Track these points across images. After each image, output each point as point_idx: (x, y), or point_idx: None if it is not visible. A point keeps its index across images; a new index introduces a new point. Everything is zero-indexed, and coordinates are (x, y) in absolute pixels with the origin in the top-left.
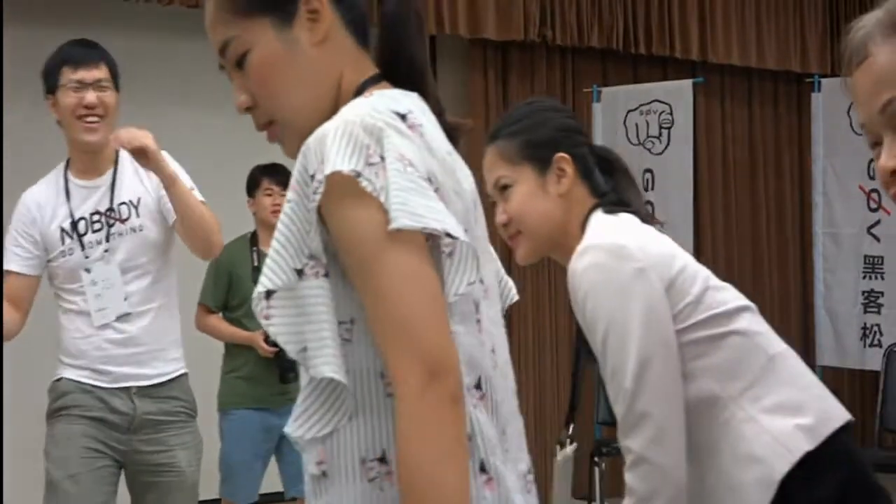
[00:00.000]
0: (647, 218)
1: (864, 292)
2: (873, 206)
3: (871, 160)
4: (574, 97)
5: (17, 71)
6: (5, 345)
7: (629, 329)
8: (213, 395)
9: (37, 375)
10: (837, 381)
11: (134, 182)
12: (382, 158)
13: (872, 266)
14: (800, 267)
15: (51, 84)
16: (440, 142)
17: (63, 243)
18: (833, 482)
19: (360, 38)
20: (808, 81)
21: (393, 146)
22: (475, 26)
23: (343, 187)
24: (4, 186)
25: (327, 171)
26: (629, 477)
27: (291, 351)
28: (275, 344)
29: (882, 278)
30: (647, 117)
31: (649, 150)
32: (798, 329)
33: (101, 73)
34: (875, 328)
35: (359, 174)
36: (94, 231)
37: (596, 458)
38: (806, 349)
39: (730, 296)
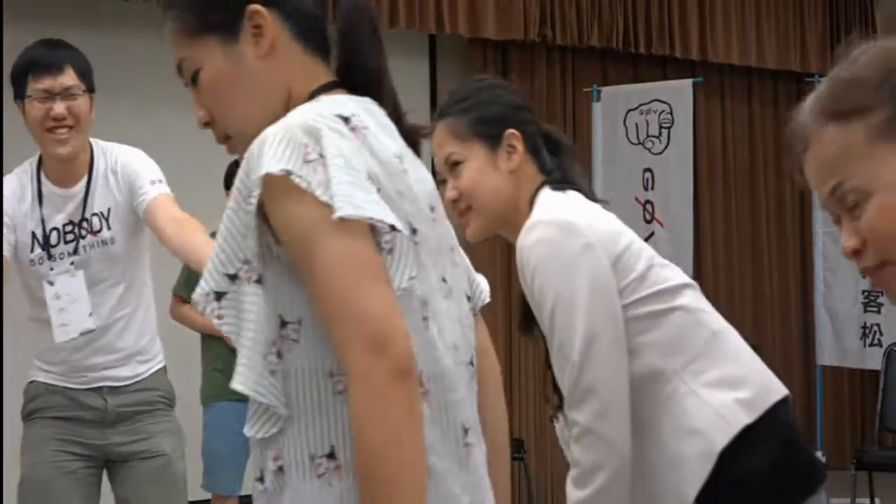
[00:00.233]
0: (592, 196)
1: (864, 292)
2: None
3: None
4: (574, 97)
5: None
6: (5, 345)
7: (576, 303)
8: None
9: None
10: (837, 380)
11: (105, 191)
12: (322, 156)
13: None
14: (800, 266)
15: (18, 91)
16: (387, 145)
17: (32, 251)
18: (769, 454)
19: (314, 47)
20: (808, 81)
21: (332, 144)
22: (475, 26)
23: (276, 187)
24: (4, 186)
25: (260, 172)
26: (575, 449)
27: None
28: None
29: None
30: (647, 117)
31: (649, 149)
32: (798, 328)
33: (68, 79)
34: (875, 328)
35: (289, 172)
36: (66, 242)
37: None
38: (806, 349)
39: (673, 273)
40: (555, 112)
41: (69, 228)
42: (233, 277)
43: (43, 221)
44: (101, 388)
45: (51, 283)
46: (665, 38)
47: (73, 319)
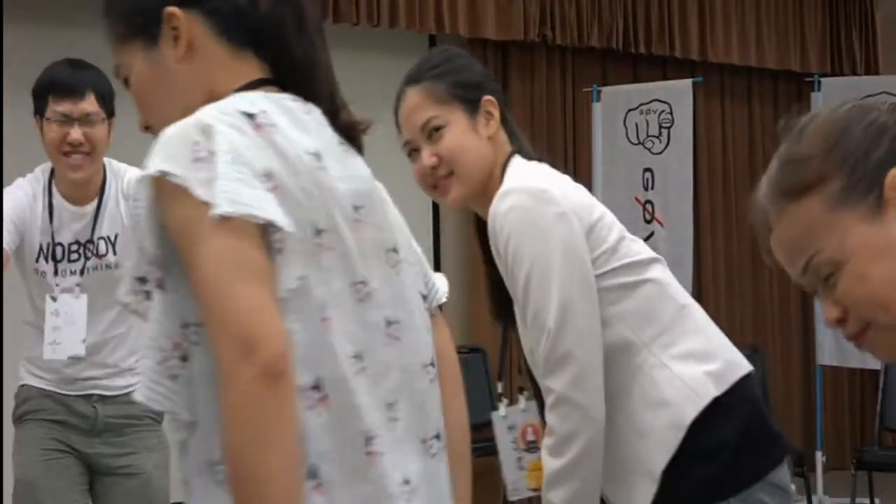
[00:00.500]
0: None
1: None
2: None
3: None
4: (574, 97)
5: (18, 71)
6: (6, 345)
7: (552, 270)
8: None
9: None
10: (837, 380)
11: (115, 216)
12: (212, 153)
13: None
14: None
15: (38, 108)
16: (300, 143)
17: (38, 261)
18: (736, 426)
19: (242, 43)
20: (808, 81)
21: (225, 141)
22: (475, 26)
23: (157, 188)
24: (4, 186)
25: (141, 175)
26: (550, 417)
27: None
28: None
29: None
30: (646, 117)
31: (649, 149)
32: (798, 328)
33: (88, 105)
34: None
35: (165, 173)
36: (71, 261)
37: None
38: (806, 348)
39: (642, 247)
40: (555, 112)
41: (75, 248)
42: (142, 280)
43: (52, 234)
44: (90, 395)
45: (53, 299)
46: (665, 38)
47: (65, 340)
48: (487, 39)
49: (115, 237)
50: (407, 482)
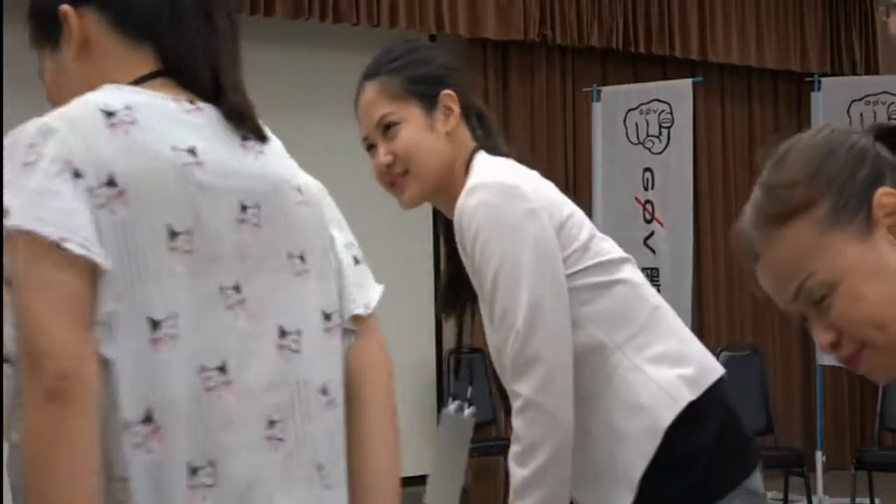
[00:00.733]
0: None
1: None
2: None
3: None
4: (574, 97)
5: (18, 71)
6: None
7: (521, 269)
8: None
9: None
10: (837, 380)
11: None
12: (39, 158)
13: None
14: None
15: None
16: (170, 138)
17: None
18: (712, 430)
19: (140, 36)
20: (808, 81)
21: (56, 148)
22: (475, 26)
23: None
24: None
25: None
26: (516, 422)
27: None
28: None
29: None
30: (646, 116)
31: (649, 149)
32: (798, 328)
33: None
34: None
35: None
36: None
37: None
38: (806, 349)
39: (613, 247)
40: (555, 112)
41: None
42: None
43: None
44: None
45: None
46: (665, 38)
47: None
48: (487, 39)
49: None
50: None
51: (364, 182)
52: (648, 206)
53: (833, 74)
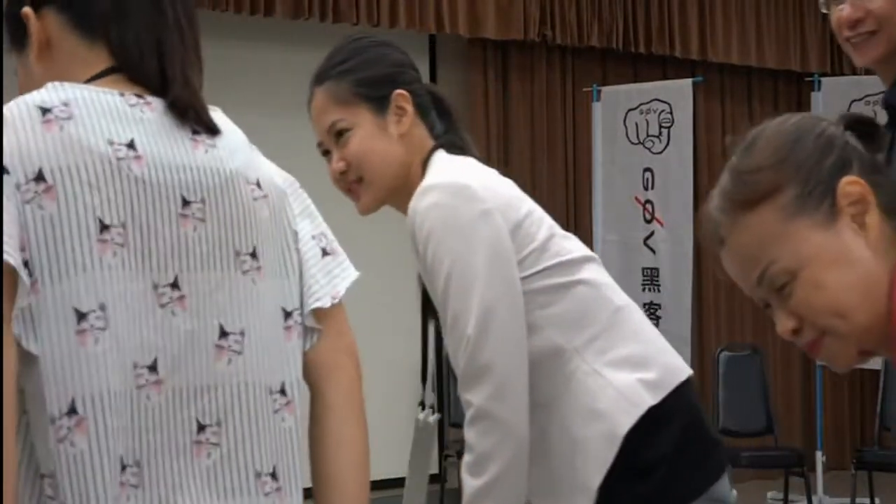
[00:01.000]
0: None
1: None
2: None
3: None
4: (574, 97)
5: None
6: None
7: (474, 272)
8: None
9: None
10: (837, 380)
11: None
12: None
13: None
14: None
15: None
16: (107, 133)
17: None
18: (672, 436)
19: (95, 35)
20: (808, 80)
21: None
22: (475, 26)
23: None
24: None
25: None
26: (469, 433)
27: None
28: None
29: None
30: (646, 116)
31: (649, 149)
32: None
33: None
34: None
35: None
36: None
37: None
38: None
39: (575, 245)
40: (555, 112)
41: None
42: None
43: None
44: None
45: None
46: (665, 38)
47: None
48: (487, 39)
49: None
50: None
51: None
52: (648, 206)
53: (833, 74)
